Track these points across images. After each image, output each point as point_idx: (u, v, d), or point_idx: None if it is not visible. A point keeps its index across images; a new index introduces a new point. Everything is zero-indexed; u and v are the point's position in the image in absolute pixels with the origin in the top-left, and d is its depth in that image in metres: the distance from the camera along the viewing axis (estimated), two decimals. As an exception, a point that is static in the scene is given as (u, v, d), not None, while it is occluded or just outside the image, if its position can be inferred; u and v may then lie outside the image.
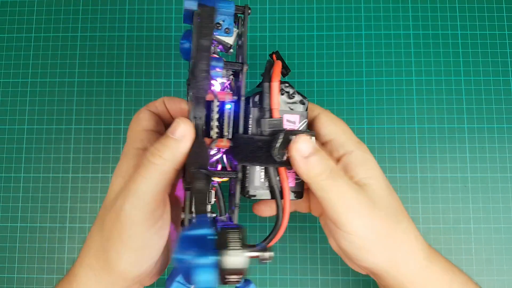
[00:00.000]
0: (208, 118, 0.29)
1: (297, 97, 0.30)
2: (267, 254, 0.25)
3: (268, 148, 0.28)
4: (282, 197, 0.29)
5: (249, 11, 0.29)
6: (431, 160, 0.45)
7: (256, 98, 0.29)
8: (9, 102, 0.47)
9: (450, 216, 0.44)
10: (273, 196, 0.30)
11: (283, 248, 0.44)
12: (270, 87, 0.29)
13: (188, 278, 0.20)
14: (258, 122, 0.29)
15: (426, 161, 0.45)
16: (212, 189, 0.31)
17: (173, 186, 0.30)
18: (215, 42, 0.29)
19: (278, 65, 0.29)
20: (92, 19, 0.48)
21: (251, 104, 0.29)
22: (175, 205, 0.31)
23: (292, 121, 0.30)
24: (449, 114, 0.45)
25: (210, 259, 0.20)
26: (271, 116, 0.29)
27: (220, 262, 0.21)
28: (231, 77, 0.30)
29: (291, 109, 0.30)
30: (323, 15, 0.47)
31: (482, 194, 0.44)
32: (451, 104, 0.46)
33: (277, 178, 0.30)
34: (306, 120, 0.30)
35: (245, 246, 0.22)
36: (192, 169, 0.24)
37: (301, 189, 0.31)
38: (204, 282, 0.20)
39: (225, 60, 0.28)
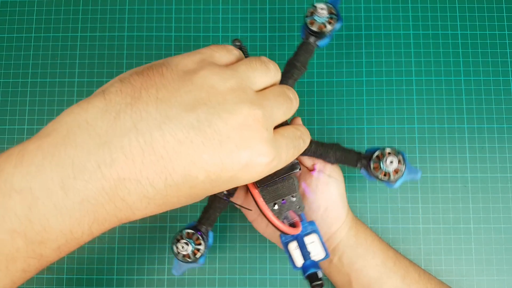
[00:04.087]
0: None
1: None
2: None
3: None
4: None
5: None
6: (431, 160, 0.45)
7: None
8: (9, 102, 0.47)
9: (450, 216, 0.44)
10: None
11: (283, 248, 0.44)
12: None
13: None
14: None
15: (426, 161, 0.45)
16: None
17: None
18: None
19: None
20: (92, 19, 0.48)
21: None
22: None
23: None
24: (449, 114, 0.45)
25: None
26: None
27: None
28: None
29: None
30: (323, 15, 0.47)
31: (482, 194, 0.44)
32: (451, 104, 0.46)
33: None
34: None
35: None
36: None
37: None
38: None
39: None
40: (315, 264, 0.32)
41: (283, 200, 0.32)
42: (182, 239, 0.34)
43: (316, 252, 0.32)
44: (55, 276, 0.43)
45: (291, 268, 0.43)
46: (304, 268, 0.32)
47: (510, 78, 0.46)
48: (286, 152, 0.24)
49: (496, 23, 0.47)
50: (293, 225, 0.32)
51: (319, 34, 0.34)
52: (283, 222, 0.31)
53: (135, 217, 0.22)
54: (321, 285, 0.31)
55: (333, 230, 0.36)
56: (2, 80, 0.47)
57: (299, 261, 0.32)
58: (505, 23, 0.47)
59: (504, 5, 0.47)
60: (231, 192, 0.36)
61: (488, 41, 0.46)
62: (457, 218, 0.44)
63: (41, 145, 0.19)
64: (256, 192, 0.29)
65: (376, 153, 0.34)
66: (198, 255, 0.34)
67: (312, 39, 0.35)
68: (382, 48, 0.47)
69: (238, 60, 0.25)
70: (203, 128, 0.20)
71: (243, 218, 0.44)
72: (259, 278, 0.43)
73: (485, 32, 0.47)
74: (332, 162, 0.36)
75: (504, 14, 0.47)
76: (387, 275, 0.36)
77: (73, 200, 0.19)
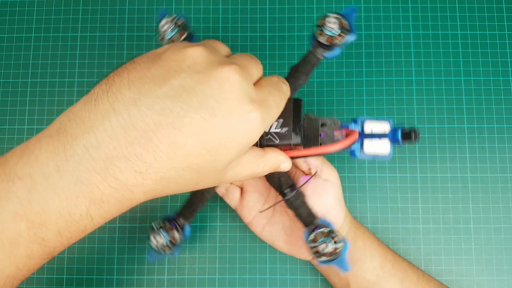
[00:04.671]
0: None
1: None
2: None
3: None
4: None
5: None
6: (431, 160, 0.45)
7: None
8: (9, 102, 0.47)
9: (450, 216, 0.44)
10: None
11: (283, 248, 0.44)
12: None
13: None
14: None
15: (426, 161, 0.45)
16: None
17: None
18: None
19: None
20: (92, 19, 0.48)
21: None
22: None
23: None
24: (449, 114, 0.45)
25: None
26: None
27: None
28: None
29: None
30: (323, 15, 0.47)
31: (482, 194, 0.44)
32: (451, 104, 0.46)
33: None
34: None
35: None
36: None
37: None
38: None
39: None
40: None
41: (321, 134, 0.30)
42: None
43: (381, 147, 0.30)
44: (55, 276, 0.43)
45: (291, 268, 0.43)
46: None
47: (510, 78, 0.46)
48: (272, 98, 0.25)
49: (496, 23, 0.47)
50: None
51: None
52: (338, 142, 0.29)
53: (135, 196, 0.22)
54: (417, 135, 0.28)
55: None
56: (2, 80, 0.47)
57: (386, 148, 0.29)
58: (505, 23, 0.47)
59: (504, 5, 0.47)
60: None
61: (488, 41, 0.46)
62: (457, 218, 0.44)
63: (40, 139, 0.21)
64: (300, 151, 0.28)
65: (316, 32, 0.31)
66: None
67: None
68: (382, 48, 0.47)
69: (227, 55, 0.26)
70: (178, 94, 0.21)
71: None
72: (259, 278, 0.43)
73: (485, 32, 0.47)
74: (304, 80, 0.33)
75: (504, 14, 0.47)
76: (385, 278, 0.36)
77: (68, 181, 0.20)
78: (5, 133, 0.46)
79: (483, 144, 0.45)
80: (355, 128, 0.30)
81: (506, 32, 0.47)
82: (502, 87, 0.46)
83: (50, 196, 0.20)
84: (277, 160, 0.28)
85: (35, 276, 0.43)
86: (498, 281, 0.43)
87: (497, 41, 0.46)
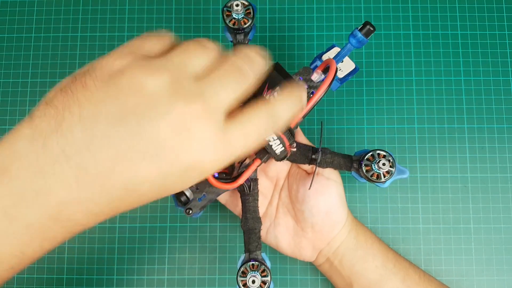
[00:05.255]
0: None
1: None
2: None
3: None
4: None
5: None
6: (431, 160, 0.45)
7: None
8: (9, 102, 0.47)
9: (450, 216, 0.44)
10: None
11: (283, 248, 0.44)
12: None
13: None
14: None
15: (426, 161, 0.45)
16: None
17: None
18: None
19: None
20: (92, 19, 0.48)
21: None
22: None
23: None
24: (449, 114, 0.45)
25: None
26: None
27: None
28: None
29: None
30: (323, 15, 0.47)
31: (482, 194, 0.44)
32: (451, 104, 0.46)
33: None
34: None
35: None
36: None
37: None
38: None
39: None
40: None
41: (299, 78, 0.32)
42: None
43: (347, 65, 0.35)
44: (55, 276, 0.43)
45: (291, 268, 0.43)
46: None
47: (510, 78, 0.46)
48: (243, 142, 0.22)
49: (496, 23, 0.47)
50: (327, 69, 0.31)
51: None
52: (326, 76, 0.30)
53: (90, 226, 0.21)
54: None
55: (334, 233, 0.36)
56: (2, 80, 0.47)
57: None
58: (505, 23, 0.47)
59: (504, 5, 0.47)
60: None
61: (488, 41, 0.46)
62: (457, 218, 0.44)
63: None
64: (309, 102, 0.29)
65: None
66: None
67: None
68: (382, 48, 0.47)
69: (173, 46, 0.22)
70: (135, 140, 0.19)
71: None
72: (259, 278, 0.43)
73: (485, 32, 0.47)
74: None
75: (504, 14, 0.47)
76: (387, 277, 0.36)
77: (18, 226, 0.19)
78: (5, 133, 0.46)
79: (483, 144, 0.45)
80: (320, 62, 0.33)
81: (506, 32, 0.47)
82: (502, 87, 0.46)
83: (1, 241, 0.19)
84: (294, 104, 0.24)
85: (35, 276, 0.43)
86: (498, 281, 0.43)
87: (497, 41, 0.46)
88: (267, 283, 0.32)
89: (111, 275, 0.44)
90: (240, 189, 0.36)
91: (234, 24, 0.34)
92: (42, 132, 0.19)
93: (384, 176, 0.34)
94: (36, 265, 0.44)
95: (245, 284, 0.33)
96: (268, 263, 0.34)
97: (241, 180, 0.31)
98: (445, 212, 0.44)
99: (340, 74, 0.35)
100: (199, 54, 0.22)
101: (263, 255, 0.35)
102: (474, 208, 0.44)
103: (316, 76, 0.31)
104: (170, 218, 0.44)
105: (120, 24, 0.48)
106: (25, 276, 0.44)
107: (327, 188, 0.36)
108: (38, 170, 0.19)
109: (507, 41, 0.46)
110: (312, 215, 0.36)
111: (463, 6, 0.47)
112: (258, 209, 0.36)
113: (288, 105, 0.23)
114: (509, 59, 0.46)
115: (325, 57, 0.34)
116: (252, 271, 0.33)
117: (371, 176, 0.34)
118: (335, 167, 0.36)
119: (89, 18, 0.48)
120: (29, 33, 0.48)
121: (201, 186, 0.34)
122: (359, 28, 0.31)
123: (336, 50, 0.35)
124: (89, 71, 0.21)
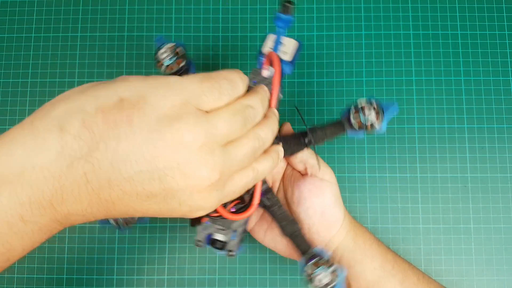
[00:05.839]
0: None
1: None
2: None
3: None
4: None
5: None
6: (431, 160, 0.45)
7: None
8: (9, 102, 0.47)
9: (450, 216, 0.44)
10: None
11: (283, 248, 0.44)
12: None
13: None
14: None
15: (426, 161, 0.45)
16: None
17: None
18: None
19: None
20: (92, 19, 0.48)
21: None
22: None
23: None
24: (449, 114, 0.45)
25: None
26: None
27: None
28: None
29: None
30: (323, 15, 0.47)
31: (482, 194, 0.44)
32: (451, 104, 0.46)
33: None
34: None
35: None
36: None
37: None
38: None
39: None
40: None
41: (253, 81, 0.31)
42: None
43: (287, 47, 0.35)
44: (55, 276, 0.43)
45: (291, 268, 0.43)
46: None
47: (510, 78, 0.46)
48: (231, 196, 0.25)
49: (496, 23, 0.47)
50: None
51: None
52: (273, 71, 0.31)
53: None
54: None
55: (332, 234, 0.36)
56: (2, 80, 0.47)
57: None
58: (505, 23, 0.47)
59: (504, 5, 0.47)
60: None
61: (488, 41, 0.46)
62: (457, 218, 0.44)
63: (1, 185, 0.21)
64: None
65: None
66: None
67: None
68: (382, 48, 0.47)
69: (229, 102, 0.23)
70: (153, 185, 0.21)
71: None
72: (259, 278, 0.43)
73: (485, 32, 0.47)
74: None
75: (504, 14, 0.47)
76: (386, 278, 0.36)
77: (32, 228, 0.21)
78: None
79: (483, 144, 0.45)
80: (263, 57, 0.33)
81: (506, 32, 0.47)
82: (502, 87, 0.46)
83: (14, 239, 0.21)
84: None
85: (35, 276, 0.43)
86: (498, 281, 0.43)
87: (497, 41, 0.46)
88: (336, 270, 0.33)
89: (111, 275, 0.44)
90: (261, 205, 0.35)
91: (172, 69, 0.33)
92: (72, 153, 0.20)
93: (378, 122, 0.33)
94: (36, 265, 0.44)
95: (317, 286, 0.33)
96: (326, 253, 0.34)
97: (256, 201, 0.31)
98: (445, 212, 0.44)
99: (287, 57, 0.35)
100: (238, 126, 0.23)
101: (316, 249, 0.34)
102: (474, 208, 0.44)
103: (266, 72, 0.31)
104: (170, 218, 0.44)
105: (120, 24, 0.48)
106: (25, 276, 0.44)
107: (322, 189, 0.36)
108: (59, 186, 0.20)
109: (507, 41, 0.46)
110: (308, 216, 0.36)
111: (463, 6, 0.47)
112: (288, 212, 0.35)
113: (269, 163, 0.27)
114: (509, 59, 0.46)
115: (265, 50, 0.34)
116: (318, 268, 0.33)
117: (366, 128, 0.33)
118: (331, 138, 0.35)
119: (89, 18, 0.48)
120: (29, 33, 0.48)
121: (226, 225, 0.34)
122: (280, 12, 0.32)
123: (272, 37, 0.34)
124: (140, 104, 0.21)
